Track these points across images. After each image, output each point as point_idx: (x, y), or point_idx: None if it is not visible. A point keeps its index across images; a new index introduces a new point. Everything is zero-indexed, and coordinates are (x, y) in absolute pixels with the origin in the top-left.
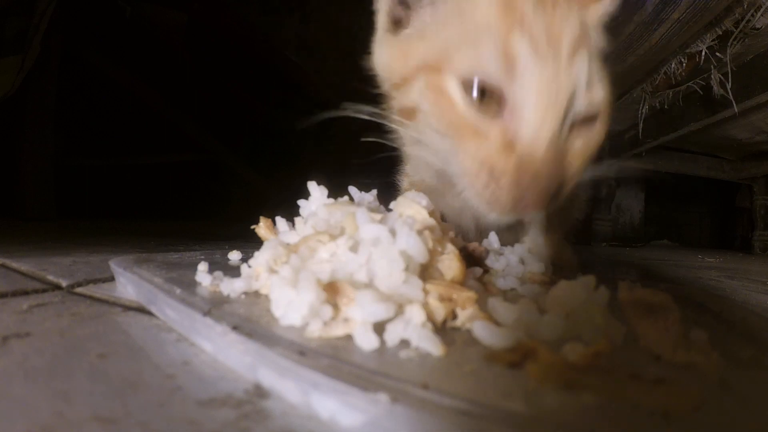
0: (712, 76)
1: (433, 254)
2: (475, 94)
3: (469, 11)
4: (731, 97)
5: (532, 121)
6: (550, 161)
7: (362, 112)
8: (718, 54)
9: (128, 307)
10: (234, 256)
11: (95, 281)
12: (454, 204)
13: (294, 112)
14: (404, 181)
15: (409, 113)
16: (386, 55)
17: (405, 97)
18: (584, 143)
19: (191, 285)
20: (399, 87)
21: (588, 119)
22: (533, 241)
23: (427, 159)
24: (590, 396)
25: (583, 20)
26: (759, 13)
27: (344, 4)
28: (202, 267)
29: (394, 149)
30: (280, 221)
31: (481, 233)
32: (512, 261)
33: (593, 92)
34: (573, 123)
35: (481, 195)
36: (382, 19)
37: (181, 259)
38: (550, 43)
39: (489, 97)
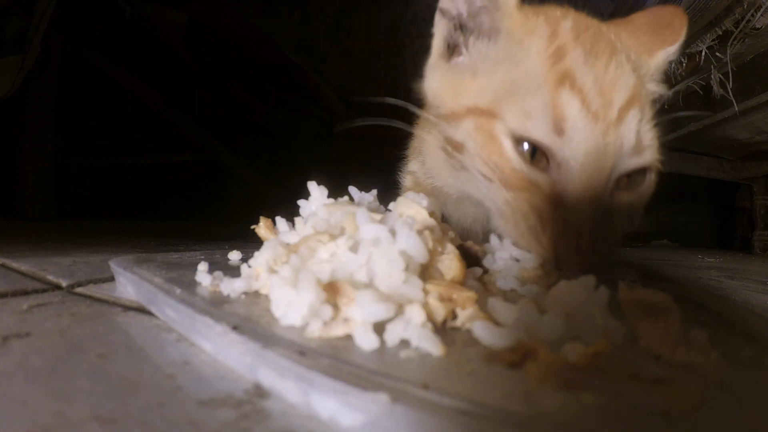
0: (712, 76)
1: (433, 254)
2: (525, 147)
3: (520, 57)
4: (731, 97)
5: (577, 180)
6: (592, 221)
7: (395, 123)
8: (718, 54)
9: (128, 307)
10: (234, 256)
11: (95, 281)
12: (467, 211)
13: (294, 112)
14: (407, 179)
15: (456, 146)
16: (437, 84)
17: (452, 132)
18: (631, 199)
19: (191, 285)
20: (447, 119)
21: (638, 172)
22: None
23: (465, 187)
24: (590, 396)
25: (640, 71)
26: (759, 13)
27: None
28: (202, 267)
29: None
30: (280, 221)
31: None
32: (504, 257)
33: (643, 149)
34: (620, 178)
35: (522, 237)
36: (438, 43)
37: (181, 259)
38: (601, 102)
39: (539, 153)
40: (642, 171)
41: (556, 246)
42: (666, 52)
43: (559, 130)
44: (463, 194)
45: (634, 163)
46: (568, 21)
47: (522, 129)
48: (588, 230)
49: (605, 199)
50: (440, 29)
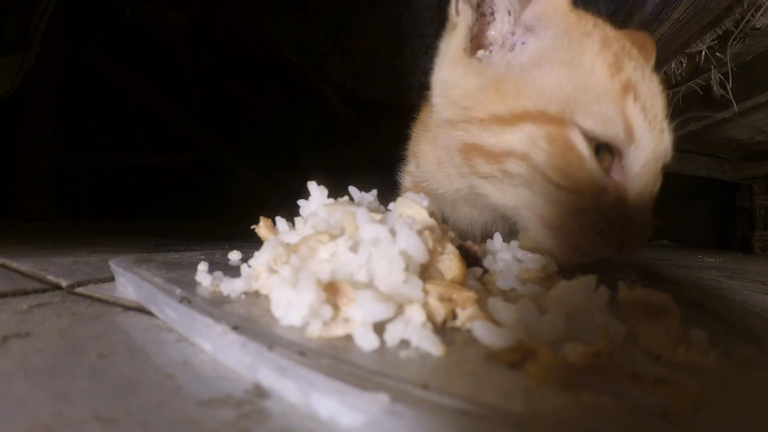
0: (712, 76)
1: (433, 254)
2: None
3: (579, 60)
4: (731, 97)
5: (639, 183)
6: (649, 215)
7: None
8: (718, 54)
9: (128, 307)
10: (234, 256)
11: (95, 281)
12: (463, 213)
13: (294, 112)
14: (407, 180)
15: (497, 156)
16: (463, 81)
17: (496, 138)
18: (658, 186)
19: (191, 285)
20: (484, 123)
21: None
22: (527, 238)
23: (492, 197)
24: (590, 396)
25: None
26: (759, 13)
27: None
28: (202, 267)
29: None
30: (280, 221)
31: (486, 242)
32: (507, 258)
33: (671, 154)
34: None
35: (568, 244)
36: (459, 36)
37: (181, 259)
38: (653, 112)
39: (604, 152)
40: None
41: (622, 243)
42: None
43: (629, 137)
44: (458, 196)
45: (667, 163)
46: (608, 29)
47: (602, 132)
48: (649, 224)
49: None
50: (463, 18)
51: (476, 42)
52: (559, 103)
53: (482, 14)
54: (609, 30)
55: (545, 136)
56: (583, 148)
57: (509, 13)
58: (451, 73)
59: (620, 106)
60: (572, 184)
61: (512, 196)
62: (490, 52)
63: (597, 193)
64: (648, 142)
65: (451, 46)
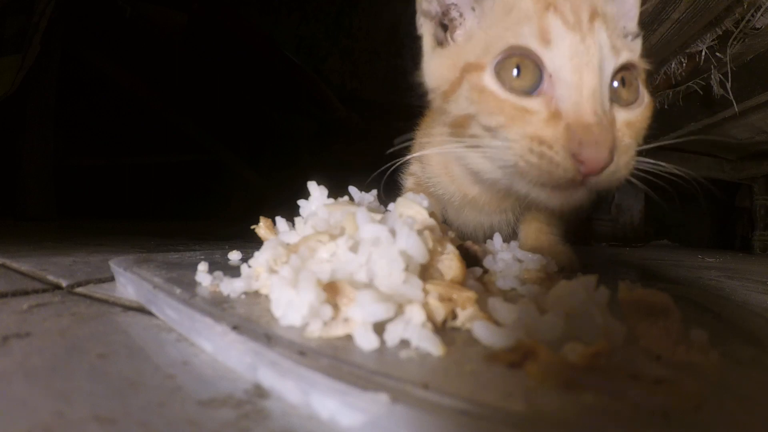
0: (712, 76)
1: (433, 254)
2: (515, 73)
3: (513, 6)
4: (731, 97)
5: (571, 82)
6: (597, 116)
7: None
8: (718, 54)
9: (128, 307)
10: (234, 256)
11: (95, 281)
12: (469, 217)
13: (294, 112)
14: (409, 181)
15: (463, 122)
16: (435, 67)
17: (456, 106)
18: (629, 118)
19: (191, 285)
20: (449, 95)
21: (629, 102)
22: (526, 238)
23: (479, 166)
24: (590, 396)
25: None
26: (759, 13)
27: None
28: (202, 267)
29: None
30: (280, 221)
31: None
32: (507, 258)
33: (621, 54)
34: (614, 97)
35: (540, 174)
36: (427, 41)
37: (181, 259)
38: (575, 17)
39: (525, 70)
40: (631, 77)
41: (572, 156)
42: None
43: (545, 41)
44: (465, 201)
45: (617, 61)
46: None
47: (510, 47)
48: (596, 122)
49: (604, 106)
50: (426, 29)
51: (444, 41)
52: (483, 50)
53: (442, 25)
54: None
55: (470, 86)
56: (491, 81)
57: (463, 6)
58: (428, 67)
59: (537, 20)
60: (501, 119)
61: (483, 160)
62: (453, 37)
63: (525, 116)
64: (567, 40)
65: (426, 47)
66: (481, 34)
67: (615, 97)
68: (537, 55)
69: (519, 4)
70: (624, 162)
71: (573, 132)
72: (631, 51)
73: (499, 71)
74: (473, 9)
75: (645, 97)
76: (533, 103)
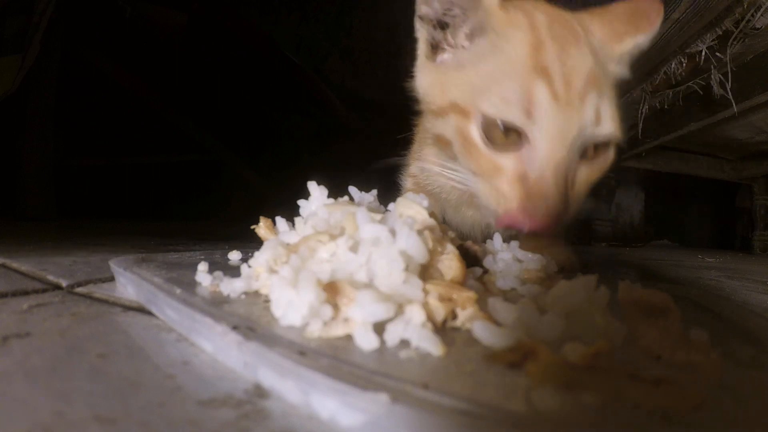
0: (712, 76)
1: (433, 254)
2: (501, 127)
3: (503, 47)
4: (731, 97)
5: (543, 154)
6: (556, 187)
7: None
8: (718, 54)
9: (128, 307)
10: (234, 256)
11: (95, 281)
12: (466, 216)
13: (294, 112)
14: (408, 181)
15: (445, 143)
16: (426, 81)
17: (441, 128)
18: (591, 171)
19: (191, 285)
20: (437, 115)
21: (599, 149)
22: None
23: (455, 179)
24: (590, 396)
25: (600, 57)
26: (759, 13)
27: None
28: (202, 267)
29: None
30: (280, 221)
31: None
32: (507, 258)
33: (602, 126)
34: (583, 153)
35: (497, 213)
36: (422, 46)
37: (181, 259)
38: (566, 88)
39: (510, 132)
40: (606, 145)
41: (524, 214)
42: (635, 39)
43: (529, 114)
44: (462, 199)
45: (596, 132)
46: (541, 13)
47: (497, 114)
48: (553, 194)
49: (567, 173)
50: (422, 33)
51: (438, 49)
52: (471, 93)
53: (434, 26)
54: (545, 13)
55: (455, 126)
56: (476, 136)
57: (460, 26)
58: (420, 76)
59: (525, 84)
60: (477, 168)
61: (457, 176)
62: (445, 56)
63: (497, 173)
64: (551, 120)
65: (420, 54)
66: (470, 69)
67: (584, 154)
68: (520, 127)
69: (511, 51)
70: (574, 209)
71: (530, 197)
72: (613, 119)
73: (486, 126)
74: (474, 36)
75: (611, 153)
76: (507, 162)
